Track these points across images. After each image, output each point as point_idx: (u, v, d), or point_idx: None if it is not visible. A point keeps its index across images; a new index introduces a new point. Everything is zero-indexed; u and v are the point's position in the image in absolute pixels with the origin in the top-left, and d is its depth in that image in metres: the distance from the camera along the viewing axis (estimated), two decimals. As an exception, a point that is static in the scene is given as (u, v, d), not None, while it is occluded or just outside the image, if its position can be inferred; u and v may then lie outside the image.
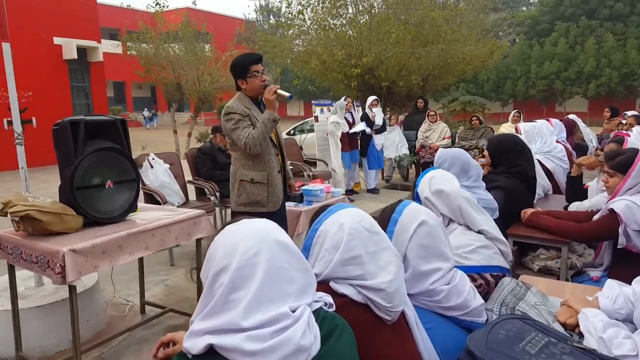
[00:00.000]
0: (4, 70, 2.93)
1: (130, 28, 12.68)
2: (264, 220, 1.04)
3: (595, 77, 27.94)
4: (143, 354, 2.74)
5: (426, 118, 8.50)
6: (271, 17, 35.20)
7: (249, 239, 0.95)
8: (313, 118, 7.48)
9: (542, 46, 30.32)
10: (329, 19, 10.20)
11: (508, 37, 30.14)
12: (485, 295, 1.73)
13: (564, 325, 1.52)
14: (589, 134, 6.89)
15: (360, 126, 7.00)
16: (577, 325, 1.48)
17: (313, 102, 7.64)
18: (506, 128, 8.46)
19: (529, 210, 2.71)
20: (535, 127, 4.37)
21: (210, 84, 12.21)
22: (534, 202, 3.09)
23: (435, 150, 8.08)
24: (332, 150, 6.73)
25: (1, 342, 2.64)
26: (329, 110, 7.29)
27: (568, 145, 4.86)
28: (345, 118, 6.94)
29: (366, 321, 1.18)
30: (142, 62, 12.16)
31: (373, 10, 10.22)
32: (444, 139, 8.35)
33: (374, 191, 7.53)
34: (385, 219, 1.48)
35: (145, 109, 30.28)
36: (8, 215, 2.20)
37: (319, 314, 1.00)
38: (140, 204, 2.85)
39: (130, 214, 2.66)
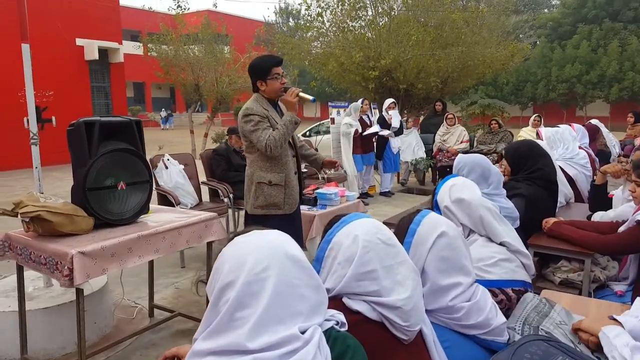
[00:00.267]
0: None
1: (151, 30, 12.85)
2: (276, 232, 0.98)
3: (617, 80, 27.33)
4: None
5: (444, 121, 8.40)
6: (290, 19, 35.36)
7: (259, 252, 0.89)
8: (329, 120, 7.43)
9: (563, 49, 29.74)
10: (348, 21, 10.16)
11: (529, 39, 29.63)
12: (507, 311, 1.66)
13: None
14: (612, 140, 6.70)
15: (374, 128, 6.93)
16: (598, 344, 1.36)
17: (330, 104, 7.59)
18: (526, 132, 8.29)
19: (551, 220, 2.61)
20: (557, 133, 4.22)
21: (228, 85, 12.29)
22: (556, 210, 2.97)
23: (453, 154, 8.00)
24: (344, 151, 6.67)
25: (7, 343, 2.63)
26: (344, 112, 7.24)
27: (591, 152, 4.70)
28: (363, 120, 6.88)
29: (381, 340, 1.11)
30: (162, 63, 12.32)
31: (392, 13, 10.13)
32: (461, 142, 8.24)
33: (388, 194, 7.45)
34: (402, 229, 1.42)
35: (163, 109, 30.62)
36: (19, 215, 2.19)
37: (330, 335, 0.94)
38: (153, 205, 2.82)
39: (141, 216, 2.63)
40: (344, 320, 1.01)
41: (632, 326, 1.39)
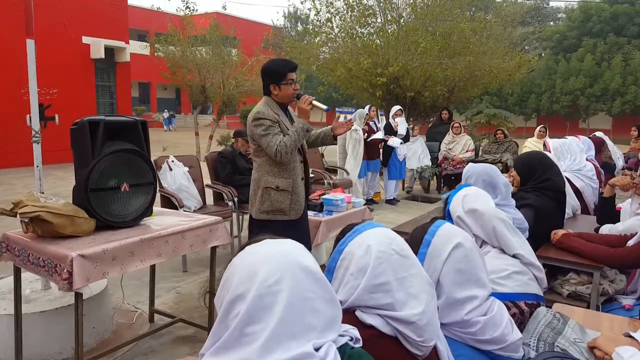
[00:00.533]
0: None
1: (158, 30, 12.85)
2: (289, 241, 0.92)
3: (620, 94, 27.56)
4: (149, 366, 2.63)
5: (450, 130, 8.43)
6: (299, 24, 35.48)
7: (271, 262, 0.84)
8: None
9: (568, 62, 29.95)
10: (357, 27, 10.18)
11: (534, 51, 29.75)
12: (519, 325, 1.61)
13: None
14: (617, 153, 6.73)
15: (379, 134, 6.92)
16: None
17: (337, 109, 7.54)
18: (532, 143, 8.26)
19: (560, 232, 2.59)
20: (564, 144, 4.20)
21: (235, 87, 12.28)
22: (564, 222, 2.96)
23: (458, 163, 8.00)
24: (351, 157, 6.62)
25: (1, 347, 2.55)
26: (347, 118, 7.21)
27: (597, 164, 4.68)
28: (370, 126, 6.85)
29: (396, 356, 1.07)
30: (169, 64, 12.32)
31: (401, 20, 10.14)
32: (467, 151, 8.26)
33: (392, 202, 7.41)
34: (416, 240, 1.37)
35: (165, 110, 30.55)
36: (18, 215, 2.11)
37: (344, 351, 0.89)
38: (156, 208, 2.76)
39: (144, 219, 2.56)
40: (358, 335, 0.96)
41: None
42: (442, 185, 8.60)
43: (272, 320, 0.78)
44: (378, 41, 10.03)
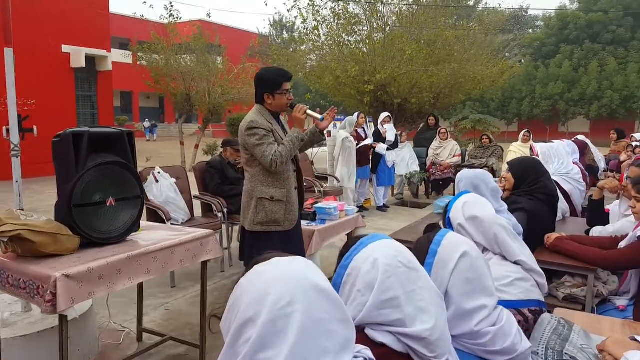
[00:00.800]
0: (5, 76, 2.76)
1: (141, 38, 12.66)
2: (299, 258, 0.86)
3: (597, 98, 28.50)
4: (138, 389, 2.49)
5: (437, 136, 8.53)
6: (284, 32, 35.49)
7: (282, 283, 0.77)
8: (325, 133, 7.34)
9: (547, 68, 30.85)
10: (343, 35, 10.22)
11: (515, 58, 30.45)
12: (525, 333, 1.62)
13: None
14: (598, 155, 6.85)
15: (367, 141, 6.91)
16: None
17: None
18: (517, 147, 8.35)
19: (553, 235, 2.60)
20: (552, 148, 4.26)
21: (221, 95, 12.16)
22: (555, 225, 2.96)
23: (446, 168, 8.08)
24: (343, 164, 6.58)
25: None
26: (340, 125, 7.18)
27: (582, 167, 4.75)
28: (358, 133, 6.84)
29: None
30: (153, 72, 12.14)
31: (387, 28, 10.22)
32: (454, 156, 8.36)
33: (383, 208, 7.40)
34: (422, 250, 1.33)
35: (146, 120, 30.02)
36: (-4, 234, 1.98)
37: None
38: (143, 222, 2.65)
39: (131, 234, 2.45)
40: (372, 356, 0.91)
41: None
42: (430, 190, 8.64)
43: (285, 346, 0.72)
44: (365, 49, 10.07)
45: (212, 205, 4.51)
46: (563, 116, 30.23)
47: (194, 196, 4.71)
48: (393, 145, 7.45)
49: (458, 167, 8.23)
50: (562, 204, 3.61)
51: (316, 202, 3.80)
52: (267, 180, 2.72)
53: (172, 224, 4.03)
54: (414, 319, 1.01)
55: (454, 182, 8.42)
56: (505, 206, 2.49)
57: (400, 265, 1.05)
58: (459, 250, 1.29)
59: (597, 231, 2.84)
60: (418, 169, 8.19)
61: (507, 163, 3.02)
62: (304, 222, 3.39)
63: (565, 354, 1.43)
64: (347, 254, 1.12)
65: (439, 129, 8.62)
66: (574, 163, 4.36)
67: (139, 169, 3.58)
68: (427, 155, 8.52)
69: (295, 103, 2.74)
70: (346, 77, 9.79)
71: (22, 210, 2.32)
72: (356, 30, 10.25)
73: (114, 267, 2.12)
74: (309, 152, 9.14)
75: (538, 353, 1.46)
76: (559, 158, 4.12)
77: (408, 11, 10.72)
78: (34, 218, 2.13)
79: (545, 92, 29.71)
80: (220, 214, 4.42)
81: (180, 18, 12.58)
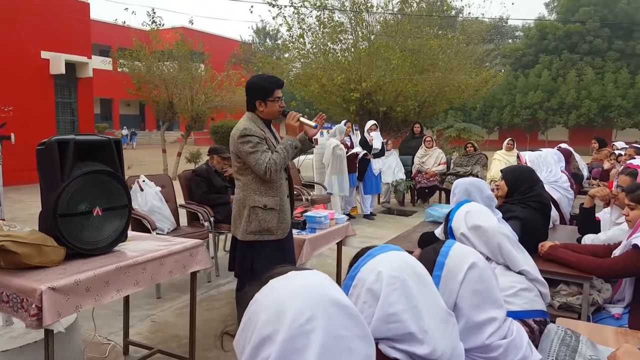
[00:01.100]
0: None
1: (123, 45, 12.49)
2: (316, 272, 0.82)
3: (575, 107, 29.23)
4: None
5: (423, 144, 8.57)
6: (267, 39, 35.51)
7: (300, 298, 0.73)
8: (313, 140, 7.35)
9: (526, 77, 31.52)
10: (329, 43, 10.26)
11: (495, 67, 31.13)
12: None
13: None
14: (581, 163, 6.95)
15: (356, 149, 6.92)
16: None
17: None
18: (501, 155, 8.48)
19: (547, 244, 2.60)
20: (540, 156, 4.28)
21: (204, 103, 12.05)
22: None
23: (432, 176, 8.14)
24: (332, 173, 6.57)
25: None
26: (328, 133, 7.18)
27: (569, 175, 4.80)
28: (344, 142, 6.86)
29: None
30: (135, 79, 11.97)
31: (372, 37, 10.30)
32: (439, 164, 8.42)
33: (370, 216, 7.39)
34: (428, 262, 1.29)
35: (124, 127, 29.49)
36: (-23, 247, 1.90)
37: None
38: (129, 232, 2.57)
39: (119, 245, 2.38)
40: None
41: None
42: (416, 198, 8.68)
43: None
44: (350, 57, 10.13)
45: (199, 214, 4.43)
46: (542, 125, 30.91)
47: (179, 205, 4.63)
48: (379, 153, 7.47)
49: (443, 175, 8.30)
50: (552, 212, 3.61)
51: (305, 211, 3.76)
52: (259, 188, 2.68)
53: (157, 233, 3.94)
54: (423, 335, 0.99)
55: (439, 190, 8.49)
56: (500, 214, 2.50)
57: (407, 278, 1.02)
58: (467, 262, 1.27)
59: (589, 239, 2.84)
60: (404, 176, 8.22)
61: (501, 171, 3.03)
62: (294, 231, 3.35)
63: None
64: (355, 265, 1.10)
65: (424, 137, 8.68)
66: (561, 171, 4.41)
67: (124, 178, 3.51)
68: (412, 163, 8.56)
69: (287, 110, 2.72)
70: (332, 85, 9.82)
71: (4, 220, 2.24)
72: (341, 38, 10.30)
73: (101, 279, 2.05)
74: (295, 160, 9.15)
75: None
76: (547, 166, 4.13)
77: (393, 20, 10.82)
78: (17, 229, 2.05)
79: (525, 101, 30.36)
80: (207, 223, 4.35)
81: (163, 25, 12.46)
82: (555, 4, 36.47)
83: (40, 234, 2.07)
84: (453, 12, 13.30)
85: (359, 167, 7.20)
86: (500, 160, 8.22)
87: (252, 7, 27.81)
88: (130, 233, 2.55)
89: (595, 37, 31.11)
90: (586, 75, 29.58)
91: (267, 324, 0.71)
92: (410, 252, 1.21)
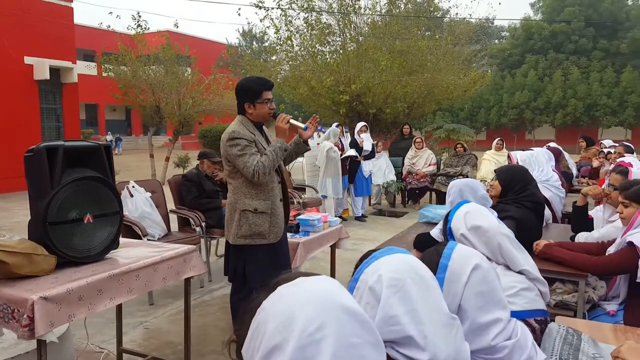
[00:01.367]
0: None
1: (108, 49, 12.35)
2: (325, 278, 0.80)
3: (562, 107, 29.59)
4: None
5: (413, 145, 8.59)
6: (254, 42, 35.38)
7: (310, 306, 0.71)
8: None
9: (513, 77, 31.84)
10: (317, 45, 10.25)
11: (482, 68, 31.47)
12: None
13: None
14: (570, 162, 7.01)
15: (351, 152, 6.95)
16: None
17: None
18: (490, 155, 8.54)
19: (542, 242, 2.62)
20: (532, 156, 4.30)
21: (192, 107, 11.95)
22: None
23: (422, 177, 8.16)
24: (327, 175, 6.56)
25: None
26: (319, 136, 7.16)
27: (559, 174, 4.84)
28: (337, 144, 6.87)
29: None
30: (120, 84, 11.84)
31: (360, 38, 10.32)
32: (429, 165, 8.45)
33: (361, 218, 7.40)
34: (431, 264, 1.28)
35: (109, 133, 29.13)
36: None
37: None
38: (120, 239, 2.53)
39: (110, 252, 2.34)
40: None
41: None
42: (407, 199, 8.71)
43: None
44: (338, 59, 10.14)
45: (190, 219, 4.39)
46: (529, 124, 31.26)
47: (170, 210, 4.58)
48: (370, 155, 7.48)
49: (434, 176, 8.34)
50: (546, 211, 3.68)
51: (298, 214, 3.74)
52: (250, 192, 2.66)
53: (148, 239, 3.90)
54: (425, 340, 0.98)
55: (430, 190, 8.52)
56: (495, 214, 2.48)
57: (409, 281, 1.01)
58: (471, 263, 1.26)
59: (582, 237, 2.86)
60: (395, 178, 8.24)
61: (495, 171, 3.04)
62: (288, 235, 3.32)
63: None
64: (360, 267, 1.09)
65: (414, 138, 8.71)
66: (552, 170, 4.43)
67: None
68: (402, 164, 8.58)
69: (277, 112, 2.70)
70: (321, 87, 9.81)
71: (-8, 229, 2.19)
72: (330, 40, 10.31)
73: (94, 287, 2.02)
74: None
75: None
76: (539, 165, 4.15)
77: (381, 22, 10.86)
78: (6, 237, 2.00)
79: (512, 101, 30.68)
80: (198, 228, 4.31)
81: (148, 28, 12.35)
82: (540, 4, 37.01)
83: (30, 242, 2.03)
84: (439, 13, 13.40)
85: (350, 170, 7.20)
86: (490, 160, 8.29)
87: (239, 9, 27.76)
88: (121, 240, 2.52)
89: (580, 36, 31.57)
90: (572, 74, 29.99)
91: (276, 332, 0.69)
92: None
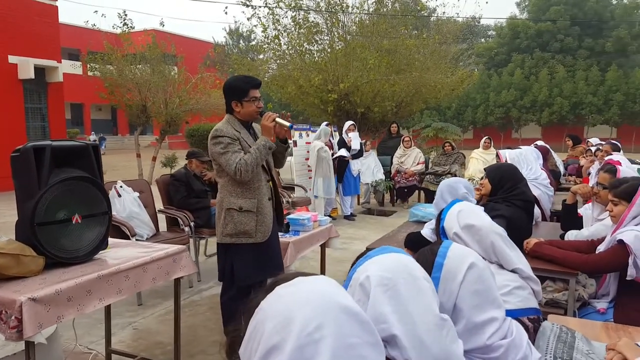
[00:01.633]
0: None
1: (93, 48, 12.20)
2: (323, 278, 0.80)
3: (548, 105, 29.88)
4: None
5: (401, 144, 8.61)
6: (241, 41, 35.19)
7: (308, 306, 0.71)
8: (292, 142, 7.32)
9: (499, 76, 32.07)
10: (305, 44, 10.23)
11: (469, 67, 31.69)
12: None
13: None
14: (557, 160, 7.09)
15: (342, 152, 6.97)
16: None
17: (293, 126, 7.52)
18: (478, 154, 8.62)
19: (532, 241, 2.62)
20: (521, 154, 4.33)
21: (179, 106, 11.86)
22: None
23: (410, 176, 8.19)
24: (319, 175, 6.56)
25: None
26: (308, 135, 7.17)
27: (548, 172, 4.88)
28: (328, 143, 6.89)
29: None
30: (106, 83, 11.70)
31: (348, 37, 10.33)
32: (418, 164, 8.48)
33: (350, 217, 7.41)
34: (426, 264, 1.28)
35: (92, 132, 28.76)
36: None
37: None
38: (109, 239, 2.52)
39: (99, 252, 2.33)
40: None
41: None
42: (395, 198, 8.75)
43: None
44: (326, 58, 10.14)
45: (179, 219, 4.37)
46: (516, 123, 31.55)
47: (158, 210, 4.55)
48: (358, 154, 7.50)
49: (422, 175, 8.39)
50: (535, 209, 3.71)
51: (288, 213, 3.75)
52: (235, 190, 2.66)
53: (136, 239, 3.87)
54: (412, 339, 0.98)
55: (418, 189, 8.57)
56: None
57: (400, 280, 1.01)
58: (466, 262, 1.26)
59: (572, 235, 2.87)
60: (383, 177, 8.26)
61: (485, 169, 3.05)
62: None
63: None
64: (354, 266, 1.10)
65: (402, 137, 8.73)
66: (540, 169, 4.44)
67: (101, 184, 3.43)
68: (391, 163, 8.60)
69: (265, 111, 2.69)
70: (309, 86, 9.80)
71: (-22, 231, 2.16)
72: (317, 39, 10.30)
73: (83, 288, 2.00)
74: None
75: None
76: (528, 164, 4.16)
77: (369, 20, 10.88)
78: (-6, 239, 1.98)
79: (498, 100, 30.93)
80: (187, 228, 4.29)
81: (134, 27, 12.23)
82: (526, 3, 37.40)
83: (18, 243, 2.01)
84: (427, 12, 13.48)
85: (338, 169, 7.21)
86: (478, 159, 8.37)
87: (226, 7, 27.56)
88: (110, 240, 2.50)
89: (566, 35, 31.92)
90: (558, 73, 30.34)
91: (274, 333, 0.69)
92: None
